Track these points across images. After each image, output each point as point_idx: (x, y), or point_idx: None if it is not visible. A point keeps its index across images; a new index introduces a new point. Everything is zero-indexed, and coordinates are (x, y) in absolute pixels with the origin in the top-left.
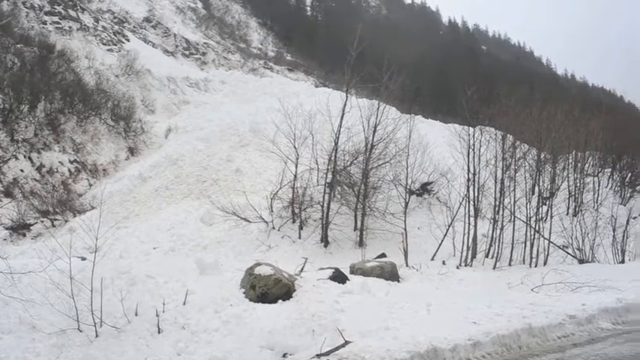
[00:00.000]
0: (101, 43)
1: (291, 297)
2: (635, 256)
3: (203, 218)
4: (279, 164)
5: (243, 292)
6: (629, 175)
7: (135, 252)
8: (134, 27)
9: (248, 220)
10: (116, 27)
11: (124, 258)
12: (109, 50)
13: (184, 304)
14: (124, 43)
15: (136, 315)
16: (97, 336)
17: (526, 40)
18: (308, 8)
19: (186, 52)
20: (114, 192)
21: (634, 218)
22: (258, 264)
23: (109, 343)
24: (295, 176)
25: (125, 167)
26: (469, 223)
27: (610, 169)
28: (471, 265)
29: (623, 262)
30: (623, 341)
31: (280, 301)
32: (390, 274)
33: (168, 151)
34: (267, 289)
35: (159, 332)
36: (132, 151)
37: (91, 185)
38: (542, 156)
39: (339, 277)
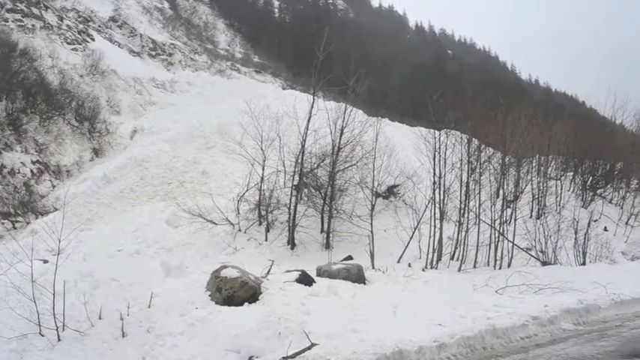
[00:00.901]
0: (65, 42)
1: (258, 299)
2: (596, 258)
3: (169, 220)
4: (246, 166)
5: (209, 295)
6: (590, 178)
7: (99, 254)
8: (99, 26)
9: (214, 223)
10: (81, 26)
11: (87, 260)
12: (73, 50)
13: (149, 307)
14: (88, 42)
15: (100, 318)
16: (59, 340)
17: (491, 46)
18: (276, 10)
19: (153, 53)
20: (78, 193)
21: (595, 221)
22: (225, 266)
23: (72, 347)
24: (262, 178)
25: (89, 168)
26: (435, 226)
27: (572, 173)
28: (436, 268)
29: (584, 264)
30: (584, 341)
31: (246, 303)
32: (356, 276)
33: (133, 152)
34: (234, 291)
35: (123, 336)
36: (96, 152)
37: (54, 186)
38: (506, 160)
39: (305, 279)
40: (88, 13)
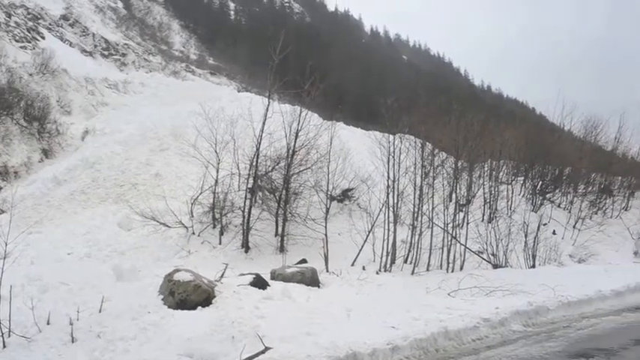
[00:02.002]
0: (14, 39)
1: (211, 303)
2: (545, 261)
3: (121, 223)
4: (200, 169)
5: (162, 299)
6: (540, 183)
7: (48, 258)
8: (50, 24)
9: (167, 226)
10: (30, 23)
11: (35, 264)
12: (22, 48)
13: (100, 311)
14: (38, 40)
15: (48, 324)
16: (4, 347)
17: (445, 51)
18: (232, 12)
19: (106, 53)
20: (26, 195)
21: (544, 225)
22: (178, 270)
23: (18, 353)
24: (216, 181)
25: (38, 170)
26: (389, 229)
27: (522, 178)
28: (390, 271)
29: (533, 266)
30: (533, 342)
31: (200, 307)
32: (310, 279)
33: (85, 153)
34: (187, 295)
35: (72, 341)
36: (46, 153)
37: (0, 188)
38: (459, 164)
39: (259, 282)
40: (38, 11)
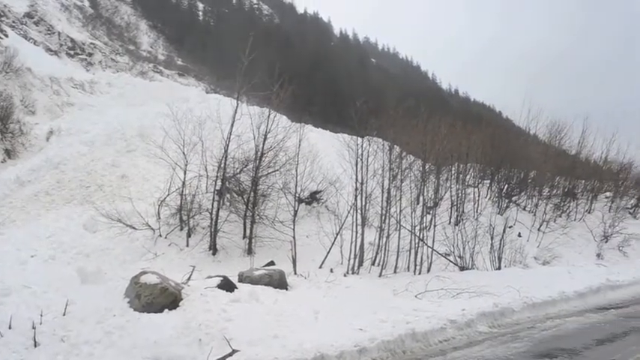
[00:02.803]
0: None
1: (178, 306)
2: (511, 263)
3: (86, 225)
4: (168, 170)
5: (128, 302)
6: (506, 186)
7: (10, 261)
8: (13, 22)
9: (134, 228)
10: None
11: None
12: None
13: (64, 315)
14: (1, 38)
15: (10, 328)
16: None
17: (414, 55)
18: (200, 13)
19: (72, 52)
20: None
21: (510, 227)
22: (144, 272)
23: None
24: (184, 183)
25: (1, 171)
26: (356, 232)
27: (489, 181)
28: (357, 273)
29: (499, 268)
30: (498, 343)
31: (166, 310)
32: (278, 282)
33: (49, 154)
34: (153, 298)
35: (35, 346)
36: (9, 153)
37: None
38: (426, 167)
39: (227, 285)
40: (1, 8)
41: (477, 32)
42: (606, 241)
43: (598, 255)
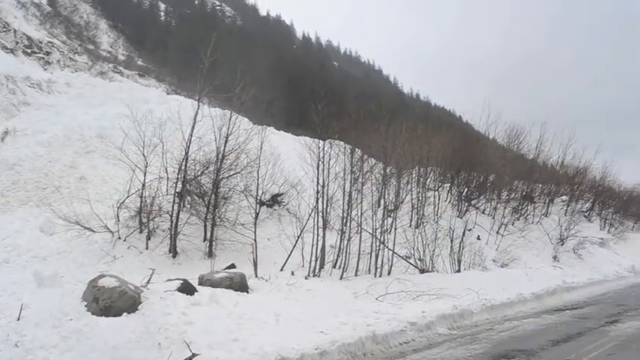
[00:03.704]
0: None
1: (137, 310)
2: (470, 266)
3: (43, 227)
4: (127, 172)
5: (86, 306)
6: (466, 190)
7: None
8: None
9: (92, 230)
10: None
11: None
12: None
13: (19, 319)
14: None
15: None
16: None
17: (375, 59)
18: (162, 13)
19: (28, 51)
20: None
21: (469, 230)
22: (102, 276)
23: None
24: (144, 185)
25: None
26: (318, 235)
27: (449, 184)
28: (319, 276)
29: (459, 271)
30: (457, 345)
31: (125, 314)
32: (239, 285)
33: (4, 155)
34: (112, 301)
35: None
36: None
37: None
38: (387, 170)
39: (187, 288)
40: None
41: (436, 34)
42: (562, 244)
43: (554, 257)
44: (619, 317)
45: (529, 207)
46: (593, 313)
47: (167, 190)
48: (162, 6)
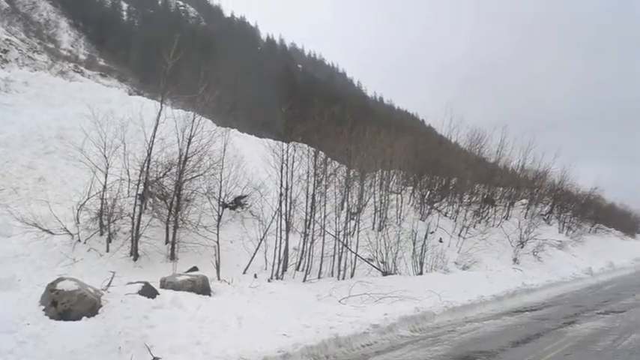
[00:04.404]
0: None
1: (97, 313)
2: (432, 268)
3: None
4: (88, 174)
5: (43, 310)
6: (428, 193)
7: None
8: None
9: (51, 232)
10: None
11: None
12: None
13: None
14: None
15: None
16: None
17: (339, 62)
18: (124, 13)
19: None
20: None
21: (431, 233)
22: (61, 279)
23: None
24: (105, 187)
25: None
26: (281, 237)
27: (412, 187)
28: (282, 279)
29: (421, 273)
30: (419, 347)
31: (85, 317)
32: (201, 287)
33: None
34: (71, 305)
35: None
36: None
37: None
38: (351, 173)
39: (148, 291)
40: None
41: (404, 37)
42: (522, 247)
43: (514, 260)
44: (576, 318)
45: (490, 210)
46: (551, 315)
47: (129, 192)
48: (125, 5)
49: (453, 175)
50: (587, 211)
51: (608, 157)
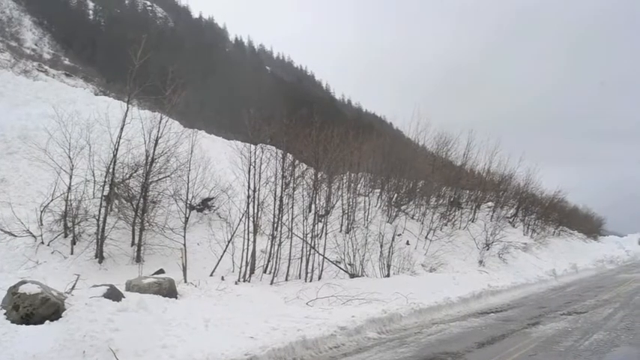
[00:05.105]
0: None
1: (61, 317)
2: (399, 270)
3: None
4: (52, 175)
5: (5, 314)
6: (396, 195)
7: None
8: None
9: (13, 235)
10: None
11: None
12: None
13: None
14: None
15: None
16: None
17: (308, 64)
18: (90, 12)
19: None
20: None
21: (399, 235)
22: (24, 282)
23: None
24: (69, 188)
25: None
26: (248, 239)
27: (379, 190)
28: (249, 281)
29: (388, 275)
30: (386, 349)
31: (48, 321)
32: (167, 290)
33: None
34: (33, 309)
35: None
36: None
37: None
38: (319, 175)
39: (113, 294)
40: None
41: (373, 43)
42: (488, 249)
43: (480, 262)
44: (540, 319)
45: (457, 213)
46: (516, 316)
47: (94, 194)
48: (91, 4)
49: (420, 178)
50: (551, 214)
51: (573, 161)
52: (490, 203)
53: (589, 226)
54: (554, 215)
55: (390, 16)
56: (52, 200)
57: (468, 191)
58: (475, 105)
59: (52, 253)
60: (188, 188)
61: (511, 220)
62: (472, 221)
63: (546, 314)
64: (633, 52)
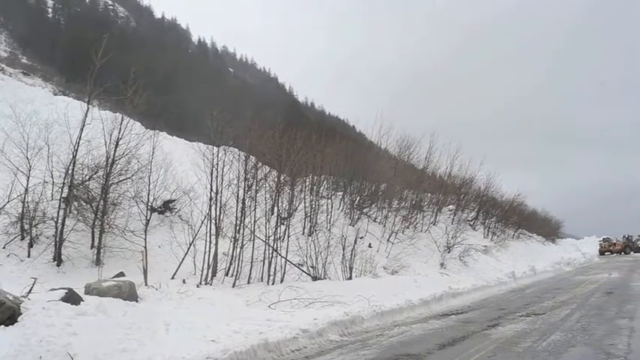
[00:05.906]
0: None
1: (17, 321)
2: (361, 273)
3: None
4: (8, 176)
5: None
6: (358, 198)
7: None
8: None
9: None
10: None
11: None
12: None
13: None
14: None
15: None
16: None
17: (271, 67)
18: (50, 10)
19: None
20: None
21: (361, 238)
22: None
23: None
24: (26, 189)
25: None
26: (210, 242)
27: (342, 193)
28: (211, 284)
29: (350, 278)
30: (348, 351)
31: (3, 326)
32: (128, 293)
33: None
34: None
35: None
36: None
37: None
38: (281, 178)
39: (72, 298)
40: None
41: (340, 47)
42: (449, 252)
43: (442, 264)
44: (499, 321)
45: (418, 216)
46: (476, 318)
47: (52, 195)
48: (50, 2)
49: (383, 181)
50: (510, 217)
51: (533, 166)
52: (451, 206)
53: (547, 229)
54: (514, 218)
55: (357, 20)
56: (9, 202)
57: (429, 194)
58: (438, 109)
59: (8, 256)
60: (149, 190)
61: (472, 223)
62: (434, 224)
63: (506, 316)
64: (592, 62)
